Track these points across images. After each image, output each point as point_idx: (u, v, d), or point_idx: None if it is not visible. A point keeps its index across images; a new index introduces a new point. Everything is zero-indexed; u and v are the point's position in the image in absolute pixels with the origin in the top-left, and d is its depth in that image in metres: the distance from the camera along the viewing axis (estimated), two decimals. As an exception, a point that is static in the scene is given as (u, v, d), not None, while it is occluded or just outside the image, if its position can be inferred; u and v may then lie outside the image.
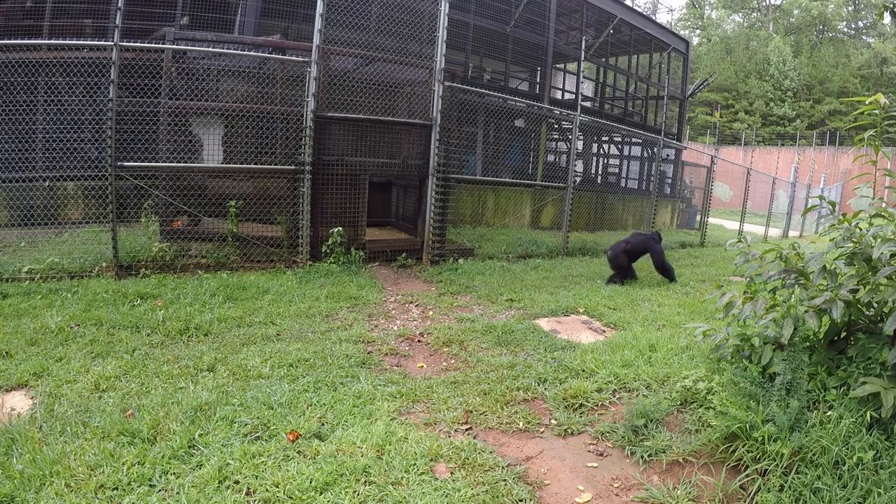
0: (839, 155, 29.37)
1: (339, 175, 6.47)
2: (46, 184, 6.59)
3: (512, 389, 3.31)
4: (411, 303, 5.36)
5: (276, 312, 4.57)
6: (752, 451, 2.44)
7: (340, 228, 6.35)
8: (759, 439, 2.44)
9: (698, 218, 15.54)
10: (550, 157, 15.80)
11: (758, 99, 39.17)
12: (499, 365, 3.70)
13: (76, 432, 2.51)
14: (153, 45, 5.94)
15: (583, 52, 11.23)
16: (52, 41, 6.51)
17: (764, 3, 46.52)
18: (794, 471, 2.29)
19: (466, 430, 2.83)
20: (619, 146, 17.30)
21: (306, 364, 3.48)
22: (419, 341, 4.24)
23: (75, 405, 2.79)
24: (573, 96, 13.88)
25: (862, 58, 38.49)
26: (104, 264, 5.46)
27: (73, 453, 2.32)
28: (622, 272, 6.93)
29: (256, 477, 2.24)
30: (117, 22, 5.23)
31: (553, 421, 3.00)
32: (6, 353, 3.43)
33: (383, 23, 7.13)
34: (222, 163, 6.41)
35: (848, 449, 2.30)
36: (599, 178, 16.87)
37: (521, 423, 2.92)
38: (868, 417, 2.40)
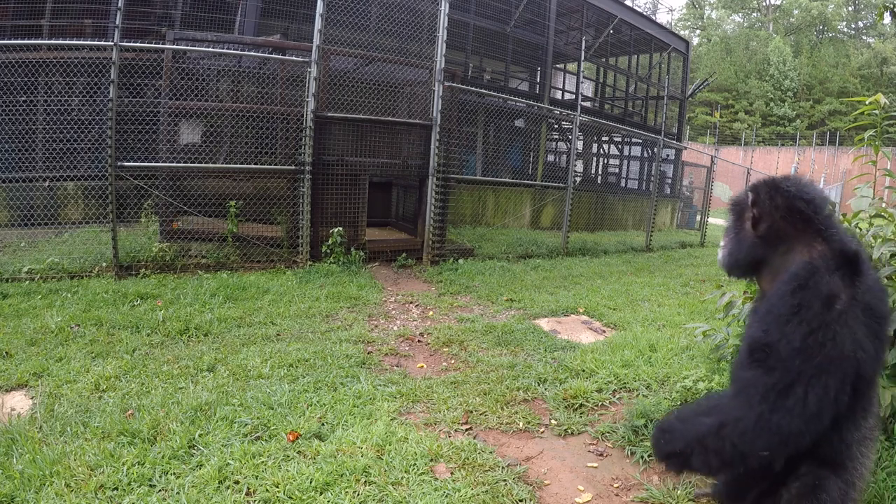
0: (839, 155, 29.38)
1: (339, 175, 6.47)
2: (46, 184, 6.59)
3: (512, 389, 3.31)
4: (411, 303, 5.36)
5: (276, 312, 4.57)
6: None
7: (340, 228, 6.35)
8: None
9: (698, 218, 15.55)
10: (550, 157, 15.80)
11: (758, 99, 39.19)
12: (499, 365, 3.70)
13: (76, 432, 2.51)
14: (153, 45, 5.94)
15: (583, 52, 11.23)
16: (52, 41, 6.51)
17: (764, 3, 46.53)
18: (794, 471, 2.29)
19: (466, 430, 2.83)
20: (619, 146, 17.30)
21: (306, 364, 3.48)
22: (419, 341, 4.24)
23: (75, 405, 2.79)
24: (573, 96, 13.88)
25: (862, 58, 38.50)
26: (104, 264, 5.46)
27: (73, 453, 2.32)
28: None
29: (256, 477, 2.24)
30: (117, 22, 5.23)
31: (553, 421, 3.00)
32: (6, 353, 3.43)
33: (383, 23, 7.13)
34: (222, 163, 6.41)
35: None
36: (599, 178, 16.87)
37: (521, 424, 2.92)
38: (868, 417, 2.40)
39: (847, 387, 1.39)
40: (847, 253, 1.43)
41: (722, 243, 1.80)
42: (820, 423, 1.39)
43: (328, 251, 6.30)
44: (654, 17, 19.96)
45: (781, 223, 1.58)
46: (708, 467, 1.54)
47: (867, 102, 2.96)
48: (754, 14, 47.34)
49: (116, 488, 2.14)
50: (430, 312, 5.06)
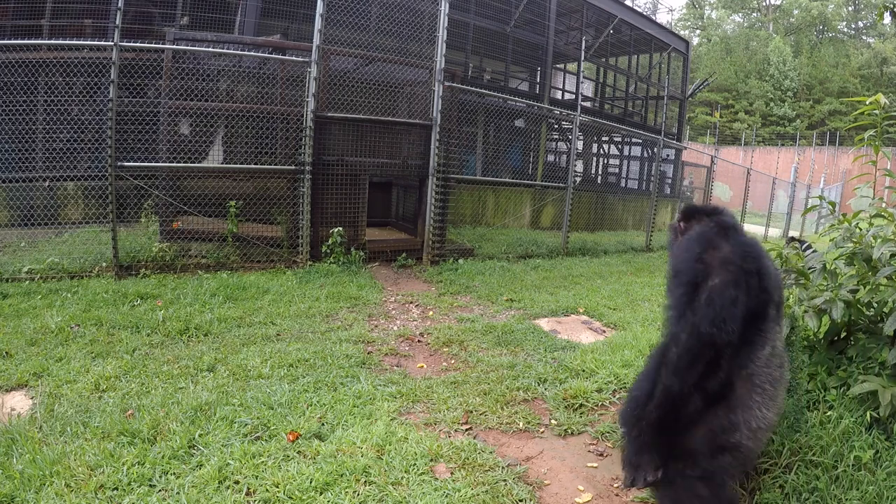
0: (839, 155, 29.38)
1: (339, 175, 6.47)
2: (46, 184, 6.58)
3: (512, 389, 3.31)
4: (411, 303, 5.36)
5: (276, 312, 4.57)
6: (751, 451, 2.44)
7: (340, 228, 6.35)
8: (759, 439, 2.44)
9: (698, 218, 15.50)
10: (550, 157, 15.79)
11: (758, 99, 39.19)
12: (499, 365, 3.70)
13: (76, 432, 2.51)
14: (153, 45, 5.94)
15: (583, 52, 11.23)
16: (52, 41, 6.51)
17: (764, 3, 46.53)
18: (793, 471, 2.29)
19: (466, 430, 2.83)
20: (619, 146, 17.29)
21: (306, 364, 3.48)
22: (419, 341, 4.24)
23: (75, 405, 2.79)
24: (573, 96, 13.88)
25: (862, 58, 38.50)
26: (104, 264, 5.46)
27: (73, 453, 2.32)
28: None
29: (256, 477, 2.24)
30: (117, 22, 5.23)
31: (553, 421, 3.00)
32: (6, 353, 3.43)
33: (383, 23, 7.13)
34: (222, 163, 6.40)
35: (847, 449, 2.30)
36: (599, 178, 16.87)
37: (521, 424, 2.92)
38: (868, 417, 2.40)
39: (743, 295, 1.83)
40: (725, 224, 2.04)
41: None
42: (733, 316, 1.80)
43: (328, 251, 6.30)
44: (654, 17, 19.95)
45: (694, 225, 2.22)
46: (671, 385, 1.86)
47: (867, 102, 2.96)
48: (754, 14, 47.34)
49: (116, 488, 2.14)
50: (430, 312, 5.06)
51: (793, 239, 6.87)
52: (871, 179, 3.12)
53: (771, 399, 1.90)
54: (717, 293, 1.81)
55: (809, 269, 2.95)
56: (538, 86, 14.41)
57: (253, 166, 6.28)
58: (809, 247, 4.54)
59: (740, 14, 47.50)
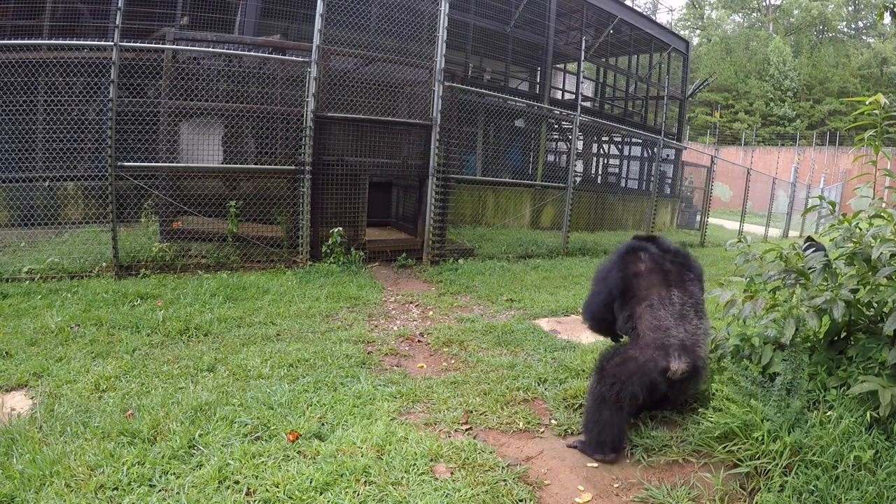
0: (839, 155, 29.37)
1: (339, 175, 6.47)
2: (46, 184, 6.58)
3: (512, 389, 3.31)
4: (411, 303, 5.36)
5: (276, 312, 4.57)
6: (751, 450, 2.44)
7: (340, 228, 6.35)
8: (759, 438, 2.44)
9: (698, 218, 15.56)
10: (550, 157, 15.79)
11: (758, 99, 39.17)
12: (499, 365, 3.70)
13: (76, 432, 2.51)
14: (153, 45, 5.93)
15: (583, 52, 11.23)
16: (52, 41, 6.51)
17: (764, 3, 46.53)
18: (793, 471, 2.29)
19: (466, 430, 2.83)
20: (619, 146, 17.29)
21: (306, 364, 3.48)
22: (419, 341, 4.24)
23: (75, 405, 2.79)
24: (573, 96, 13.88)
25: (862, 58, 38.49)
26: (104, 264, 5.46)
27: (73, 453, 2.32)
28: None
29: (256, 477, 2.24)
30: (117, 22, 5.23)
31: (553, 421, 3.00)
32: (6, 353, 3.43)
33: (383, 23, 7.13)
34: (222, 163, 6.40)
35: (847, 449, 2.30)
36: (599, 178, 16.87)
37: (521, 423, 2.92)
38: (868, 417, 2.40)
39: (609, 299, 2.85)
40: (632, 245, 2.87)
41: None
42: (592, 310, 3.04)
43: (328, 251, 6.30)
44: (654, 17, 19.95)
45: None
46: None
47: (867, 102, 2.96)
48: (754, 14, 47.34)
49: (116, 488, 2.14)
50: (430, 312, 5.06)
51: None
52: (871, 179, 3.12)
53: (663, 327, 2.61)
54: (590, 296, 3.06)
55: (809, 269, 2.95)
56: (538, 86, 14.41)
57: (253, 166, 6.28)
58: (812, 246, 4.48)
59: (740, 14, 47.49)
